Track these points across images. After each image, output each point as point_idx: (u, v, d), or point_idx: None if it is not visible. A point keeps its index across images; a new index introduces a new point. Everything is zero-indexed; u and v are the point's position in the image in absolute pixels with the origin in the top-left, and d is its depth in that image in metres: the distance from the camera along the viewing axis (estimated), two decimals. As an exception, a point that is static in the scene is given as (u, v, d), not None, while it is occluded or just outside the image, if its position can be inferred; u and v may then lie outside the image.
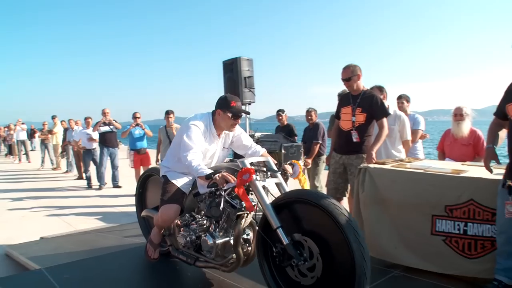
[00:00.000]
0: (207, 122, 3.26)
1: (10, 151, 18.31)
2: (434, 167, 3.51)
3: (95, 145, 9.53)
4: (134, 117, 8.36)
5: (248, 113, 3.43)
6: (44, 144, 13.61)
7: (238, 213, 2.81)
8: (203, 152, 3.23)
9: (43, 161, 13.98)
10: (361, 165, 3.77)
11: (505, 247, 2.85)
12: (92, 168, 9.64)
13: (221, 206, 2.85)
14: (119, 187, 9.16)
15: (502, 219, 2.85)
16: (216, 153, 3.41)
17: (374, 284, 3.11)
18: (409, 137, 4.82)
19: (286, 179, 3.20)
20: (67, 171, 12.49)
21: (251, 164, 2.97)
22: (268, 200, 2.75)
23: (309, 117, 6.70)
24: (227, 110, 3.17)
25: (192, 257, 3.23)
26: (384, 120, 4.12)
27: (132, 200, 7.52)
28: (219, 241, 2.94)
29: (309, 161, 6.29)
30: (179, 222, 3.28)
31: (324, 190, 5.16)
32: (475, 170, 3.43)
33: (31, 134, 18.89)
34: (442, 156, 4.98)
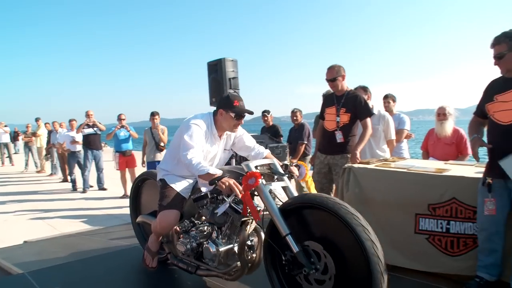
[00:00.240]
0: (208, 122, 3.09)
1: (-7, 154, 18.03)
2: (418, 166, 3.55)
3: (80, 148, 9.43)
4: (119, 118, 8.30)
5: (251, 112, 3.20)
6: (27, 146, 13.43)
7: (243, 219, 2.67)
8: (204, 154, 3.06)
9: (26, 164, 13.79)
10: (346, 165, 3.80)
11: (486, 245, 2.90)
12: (77, 171, 9.54)
13: (225, 212, 2.73)
14: (105, 189, 9.08)
15: (482, 217, 2.90)
16: (217, 155, 3.25)
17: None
18: (394, 137, 4.88)
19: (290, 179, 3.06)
20: (51, 174, 12.35)
21: (256, 167, 2.81)
22: (276, 205, 2.60)
23: (294, 118, 6.74)
24: (230, 109, 3.01)
25: (193, 266, 3.08)
26: (368, 120, 4.16)
27: (118, 203, 7.53)
28: (222, 248, 2.79)
29: (295, 161, 6.31)
30: (178, 229, 3.15)
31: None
32: (457, 169, 3.48)
33: (14, 136, 18.62)
34: (426, 155, 5.04)
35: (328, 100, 4.42)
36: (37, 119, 13.05)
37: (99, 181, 9.19)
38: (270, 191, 2.66)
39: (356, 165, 3.73)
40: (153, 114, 7.50)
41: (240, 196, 2.56)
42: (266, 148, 3.42)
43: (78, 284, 3.43)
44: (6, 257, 4.27)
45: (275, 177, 2.87)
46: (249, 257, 2.81)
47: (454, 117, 4.73)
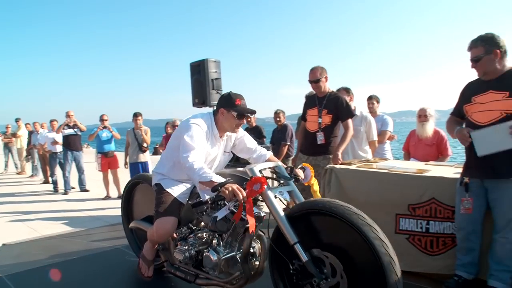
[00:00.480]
0: (208, 122, 2.92)
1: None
2: (398, 167, 3.59)
3: (61, 148, 9.29)
4: (102, 119, 8.20)
5: (254, 112, 3.04)
6: (7, 147, 13.16)
7: (247, 225, 2.49)
8: (204, 156, 2.88)
9: (6, 165, 13.53)
10: (328, 166, 3.82)
11: (464, 244, 2.96)
12: (59, 172, 9.39)
13: (227, 219, 2.60)
14: (87, 191, 8.96)
15: (460, 217, 2.96)
16: (217, 158, 3.07)
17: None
18: (376, 138, 4.93)
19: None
20: (32, 175, 12.14)
21: (260, 171, 2.66)
22: (282, 211, 2.48)
23: (278, 119, 6.78)
24: (232, 109, 2.85)
25: (192, 274, 2.95)
26: (350, 121, 4.21)
27: (100, 204, 7.44)
28: (224, 256, 2.65)
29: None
30: (175, 235, 3.01)
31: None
32: (437, 170, 3.53)
33: (-7, 137, 18.25)
34: (408, 156, 5.11)
35: (310, 101, 4.45)
36: (17, 120, 12.81)
37: (81, 183, 9.06)
38: (276, 197, 2.55)
39: (337, 166, 3.77)
40: (135, 115, 7.44)
41: (242, 202, 2.41)
42: None
43: (57, 287, 3.39)
44: (-17, 260, 4.19)
45: (281, 181, 2.73)
46: (252, 265, 2.67)
47: (434, 119, 4.80)
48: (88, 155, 12.58)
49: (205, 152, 2.87)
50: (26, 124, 13.02)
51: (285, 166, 2.84)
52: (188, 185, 3.09)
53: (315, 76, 4.23)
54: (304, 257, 2.33)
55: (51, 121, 9.73)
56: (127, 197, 4.02)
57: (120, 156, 8.31)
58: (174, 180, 3.08)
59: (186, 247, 2.91)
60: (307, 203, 2.48)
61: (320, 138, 4.23)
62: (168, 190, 3.01)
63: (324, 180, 3.74)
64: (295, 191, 2.70)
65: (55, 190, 9.24)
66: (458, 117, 3.11)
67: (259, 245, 2.70)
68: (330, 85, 4.37)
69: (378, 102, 5.61)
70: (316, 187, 2.99)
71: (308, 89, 4.44)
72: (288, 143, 6.53)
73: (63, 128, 8.69)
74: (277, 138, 6.69)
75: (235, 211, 2.52)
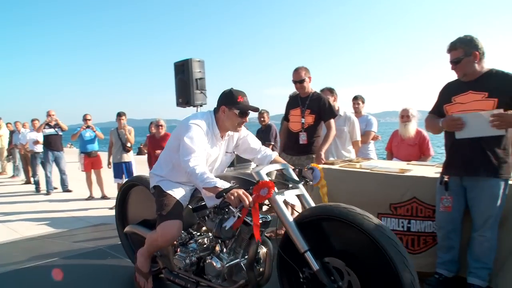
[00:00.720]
0: (209, 121, 2.78)
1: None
2: (381, 167, 3.63)
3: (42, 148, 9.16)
4: (85, 119, 8.10)
5: (257, 109, 2.87)
6: (-12, 147, 12.94)
7: (252, 231, 2.38)
8: (205, 157, 2.75)
9: (-13, 166, 13.29)
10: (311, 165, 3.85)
11: (444, 242, 3.01)
12: (41, 172, 9.25)
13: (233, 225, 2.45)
14: (70, 191, 8.83)
15: (440, 215, 3.00)
16: (218, 159, 2.91)
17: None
18: (359, 138, 4.98)
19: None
20: (13, 176, 11.94)
21: (267, 174, 2.51)
22: (291, 217, 2.36)
23: (262, 119, 6.80)
24: (233, 106, 2.70)
25: (192, 282, 2.82)
26: (332, 121, 4.26)
27: (83, 205, 7.36)
28: (228, 264, 2.54)
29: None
30: (174, 241, 2.85)
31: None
32: (418, 169, 3.57)
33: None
34: (390, 156, 5.16)
35: (293, 101, 4.48)
36: (-3, 119, 12.59)
37: (63, 183, 8.92)
38: (284, 201, 2.42)
39: (320, 166, 3.79)
40: (119, 115, 7.37)
41: (248, 202, 2.28)
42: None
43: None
44: (-38, 262, 4.12)
45: (289, 185, 2.60)
46: (258, 272, 2.54)
47: (417, 119, 4.86)
48: (71, 155, 12.42)
49: (206, 154, 2.75)
50: (7, 124, 12.79)
51: (293, 168, 2.73)
52: (188, 188, 2.95)
53: (300, 77, 4.25)
54: (315, 265, 2.22)
55: (33, 120, 9.58)
56: (122, 200, 3.84)
57: (104, 156, 8.23)
58: (173, 182, 2.93)
59: (187, 253, 2.78)
60: (317, 208, 2.38)
61: (303, 138, 4.26)
62: (169, 192, 2.85)
63: (307, 180, 3.76)
64: (304, 194, 2.59)
65: (37, 190, 9.11)
66: (438, 115, 3.15)
67: (264, 250, 2.56)
68: (316, 86, 4.42)
69: (363, 102, 5.67)
70: (325, 189, 2.87)
71: (292, 89, 4.47)
72: (273, 143, 6.55)
73: (44, 128, 8.55)
74: (261, 138, 6.70)
75: (244, 218, 2.40)
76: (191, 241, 2.86)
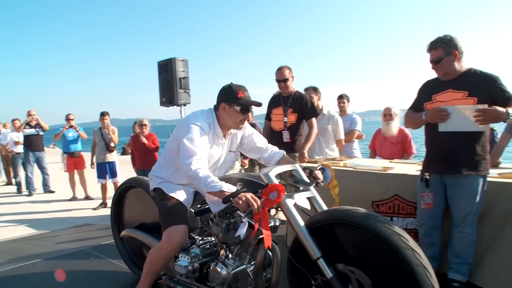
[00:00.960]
0: (209, 120, 2.61)
1: None
2: (363, 165, 3.67)
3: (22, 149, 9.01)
4: (68, 118, 8.00)
5: (260, 104, 2.68)
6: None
7: (260, 236, 2.27)
8: (207, 159, 2.60)
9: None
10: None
11: (425, 238, 3.05)
12: (22, 173, 9.11)
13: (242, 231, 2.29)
14: (52, 192, 8.71)
15: (421, 212, 3.05)
16: (221, 159, 2.76)
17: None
18: (343, 137, 5.03)
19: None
20: (-6, 177, 11.73)
21: (276, 176, 2.38)
22: (302, 222, 2.24)
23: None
24: (234, 102, 2.54)
25: None
26: (314, 119, 4.31)
27: (66, 205, 7.27)
28: (234, 270, 2.39)
29: (246, 161, 6.34)
30: None
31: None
32: (400, 167, 3.62)
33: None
34: (374, 154, 5.21)
35: (275, 101, 4.52)
36: (-23, 119, 12.34)
37: (45, 184, 8.79)
38: (295, 205, 2.30)
39: (303, 164, 3.81)
40: (103, 114, 7.29)
41: (256, 206, 2.15)
42: None
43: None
44: None
45: (300, 187, 2.47)
46: (265, 279, 2.43)
47: (399, 117, 4.91)
48: (54, 156, 12.25)
49: (208, 155, 2.60)
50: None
51: (303, 167, 2.61)
52: (190, 190, 2.79)
53: (283, 76, 4.28)
54: (328, 273, 2.11)
55: (13, 120, 9.41)
56: (118, 203, 3.67)
57: (87, 156, 8.14)
58: (175, 184, 2.77)
59: (189, 259, 2.62)
60: (329, 212, 2.26)
61: (286, 136, 4.30)
62: (172, 194, 2.68)
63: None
64: (315, 197, 2.45)
65: (19, 191, 8.98)
66: (417, 111, 3.17)
67: (271, 255, 2.44)
68: (299, 85, 4.46)
69: (348, 101, 5.71)
70: (337, 189, 2.79)
71: (275, 88, 4.50)
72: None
73: (24, 127, 8.41)
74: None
75: (253, 223, 2.23)
76: (193, 246, 2.71)
